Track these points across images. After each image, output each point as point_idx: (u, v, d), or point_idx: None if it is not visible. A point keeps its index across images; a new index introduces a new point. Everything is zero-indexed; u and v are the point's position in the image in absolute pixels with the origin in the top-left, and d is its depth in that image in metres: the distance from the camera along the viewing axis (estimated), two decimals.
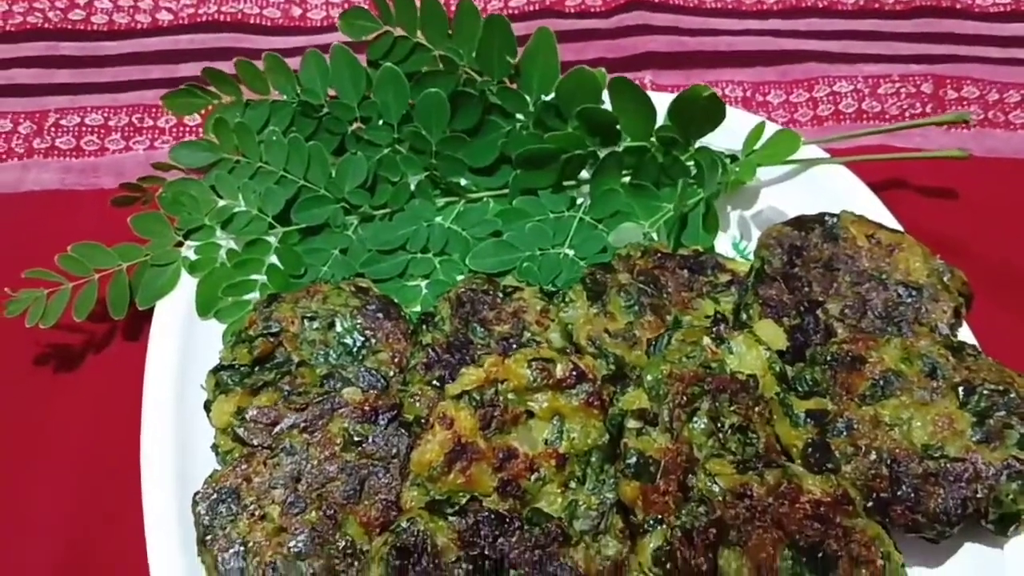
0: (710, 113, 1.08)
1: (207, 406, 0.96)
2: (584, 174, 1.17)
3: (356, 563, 0.88)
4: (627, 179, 1.15)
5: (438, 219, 1.14)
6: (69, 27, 1.38)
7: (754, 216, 1.17)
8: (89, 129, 1.28)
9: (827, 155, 1.16)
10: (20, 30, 1.37)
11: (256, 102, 1.15)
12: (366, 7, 1.15)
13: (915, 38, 1.39)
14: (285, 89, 1.15)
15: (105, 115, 1.29)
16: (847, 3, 1.44)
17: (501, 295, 1.05)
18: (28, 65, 1.33)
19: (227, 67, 1.14)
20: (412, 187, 1.16)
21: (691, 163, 1.14)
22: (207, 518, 0.88)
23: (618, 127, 1.12)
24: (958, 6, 1.42)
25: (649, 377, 0.91)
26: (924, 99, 1.31)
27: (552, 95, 1.12)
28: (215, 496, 0.89)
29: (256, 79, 1.14)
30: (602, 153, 1.13)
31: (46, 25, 1.38)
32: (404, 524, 0.85)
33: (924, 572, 0.91)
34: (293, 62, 1.14)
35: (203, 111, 1.17)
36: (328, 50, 1.14)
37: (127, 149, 1.26)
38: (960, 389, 0.93)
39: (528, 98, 1.14)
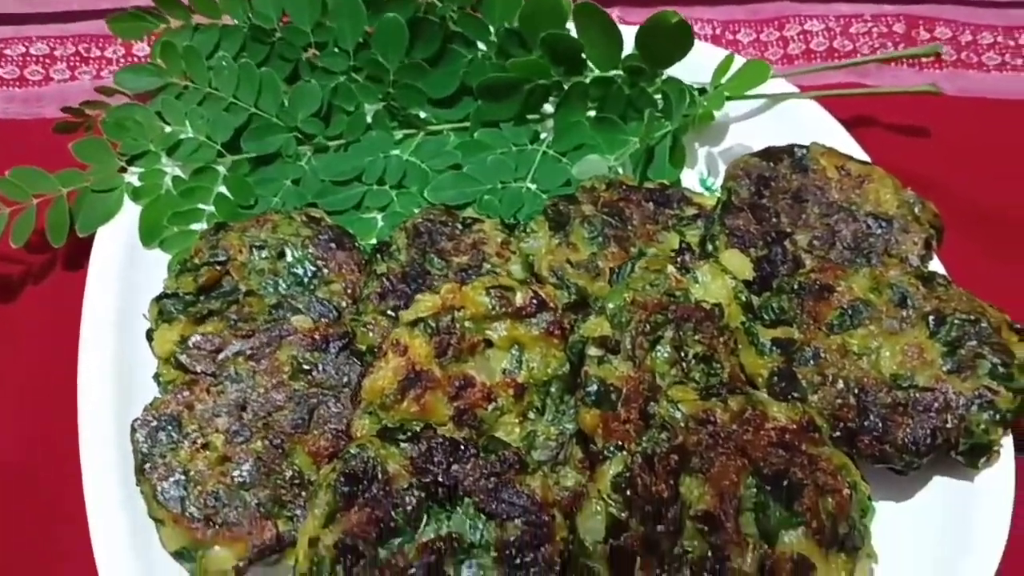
0: (678, 40, 1.05)
1: (149, 335, 0.92)
2: (548, 108, 1.14)
3: (304, 493, 0.84)
4: (592, 112, 1.12)
5: (395, 151, 1.10)
6: None
7: (722, 153, 1.14)
8: (34, 59, 1.22)
9: (796, 90, 1.13)
10: None
11: (206, 26, 1.10)
12: None
13: None
14: (236, 13, 1.10)
15: (51, 45, 1.24)
16: None
17: (460, 226, 1.01)
18: None
19: None
20: (368, 118, 1.12)
21: (659, 96, 1.11)
22: (145, 446, 0.84)
23: (583, 56, 1.08)
24: None
25: (611, 304, 0.88)
26: (896, 39, 1.28)
27: (515, 23, 1.08)
28: (154, 423, 0.84)
29: (206, 2, 1.09)
30: (567, 84, 1.09)
31: None
32: (354, 450, 0.81)
33: (892, 506, 0.89)
34: None
35: (150, 36, 1.11)
36: None
37: (72, 79, 1.21)
38: (930, 319, 0.90)
39: (491, 26, 1.09)
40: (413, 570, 0.78)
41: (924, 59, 1.27)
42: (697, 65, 1.10)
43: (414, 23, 1.09)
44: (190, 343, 0.88)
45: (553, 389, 0.88)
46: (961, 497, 0.87)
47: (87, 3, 1.28)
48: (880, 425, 0.86)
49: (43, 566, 0.88)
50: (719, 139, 1.14)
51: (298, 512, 0.83)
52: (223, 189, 1.04)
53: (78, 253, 1.01)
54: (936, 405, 0.86)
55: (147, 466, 0.83)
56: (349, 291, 0.96)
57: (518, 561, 0.79)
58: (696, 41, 1.08)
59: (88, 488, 0.84)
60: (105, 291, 0.95)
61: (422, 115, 1.13)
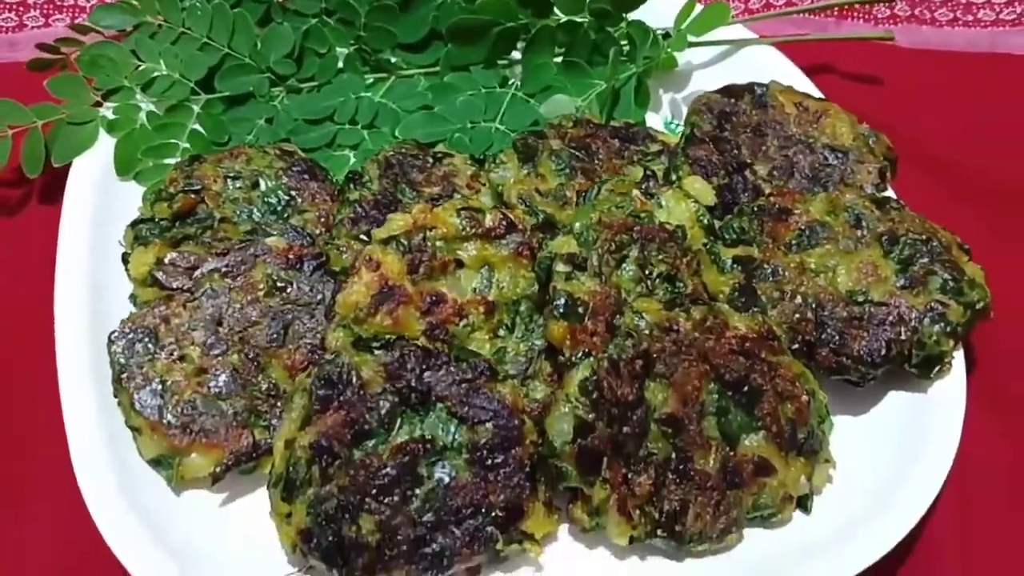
0: None
1: (125, 259, 0.93)
2: (516, 55, 1.16)
3: (279, 404, 0.86)
4: (560, 59, 1.15)
5: (367, 93, 1.12)
6: None
7: (686, 98, 1.17)
8: (7, 6, 1.23)
9: (755, 36, 1.17)
10: None
11: None
12: None
13: None
14: None
15: None
16: None
17: (431, 159, 1.03)
18: None
19: None
20: (341, 62, 1.14)
21: (624, 42, 1.14)
22: (123, 357, 0.85)
23: None
24: None
25: (578, 224, 0.91)
26: None
27: None
28: (132, 335, 0.86)
29: None
30: (534, 28, 1.12)
31: None
32: (329, 356, 0.83)
33: (850, 420, 0.92)
34: None
35: None
36: None
37: (46, 26, 1.22)
38: (884, 238, 0.94)
39: None
40: (387, 470, 0.80)
41: (880, 15, 1.31)
42: (661, 13, 1.13)
43: None
44: (166, 260, 0.90)
45: (522, 308, 0.91)
46: (915, 408, 0.90)
47: None
48: (837, 338, 0.89)
49: (20, 480, 0.88)
50: (683, 86, 1.17)
51: (274, 422, 0.85)
52: (197, 126, 1.06)
53: (54, 185, 1.02)
54: (890, 319, 0.90)
55: (124, 376, 0.85)
56: (322, 220, 0.98)
57: (489, 462, 0.82)
58: None
59: (65, 401, 0.85)
60: (81, 218, 0.96)
61: (393, 60, 1.15)
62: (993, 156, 1.17)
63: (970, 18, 1.33)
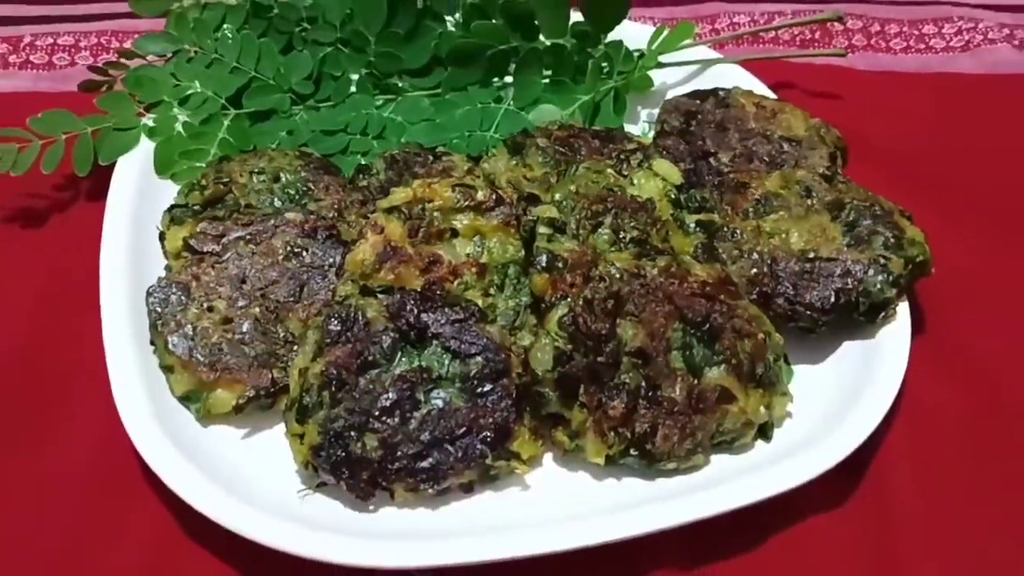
0: (617, 2, 1.23)
1: (161, 237, 1.06)
2: (509, 79, 1.31)
3: (294, 348, 0.97)
4: (547, 80, 1.29)
5: (377, 111, 1.27)
6: None
7: None
8: (61, 48, 1.40)
9: (721, 55, 1.31)
10: None
11: (213, 3, 1.28)
12: None
13: None
14: None
15: (76, 37, 1.42)
16: None
17: (432, 156, 1.17)
18: (4, 1, 1.47)
19: None
20: (353, 85, 1.29)
21: (604, 64, 1.28)
22: (158, 307, 0.97)
23: (536, 23, 1.26)
24: None
25: (558, 195, 1.03)
26: (813, 29, 1.48)
27: None
28: (166, 289, 0.98)
29: None
30: (524, 50, 1.27)
31: None
32: (338, 300, 0.95)
33: (807, 365, 1.02)
34: None
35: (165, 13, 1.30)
36: None
37: (95, 63, 1.38)
38: (832, 205, 1.05)
39: (457, 0, 1.28)
40: (389, 395, 0.91)
41: (839, 44, 1.46)
42: (635, 38, 1.28)
43: (392, 0, 1.27)
44: (198, 229, 1.02)
45: (511, 271, 1.01)
46: (865, 350, 1.00)
47: (107, 8, 1.47)
48: (791, 288, 1.00)
49: (61, 412, 1.00)
50: (658, 101, 1.29)
51: (290, 364, 0.96)
52: (226, 136, 1.20)
53: (100, 185, 1.16)
54: (838, 271, 1.01)
55: (159, 323, 0.97)
56: (335, 206, 1.11)
57: (479, 390, 0.92)
58: (638, 24, 1.27)
59: (108, 346, 0.97)
60: (124, 203, 1.09)
61: (400, 84, 1.30)
62: (942, 161, 1.29)
63: (922, 46, 1.48)
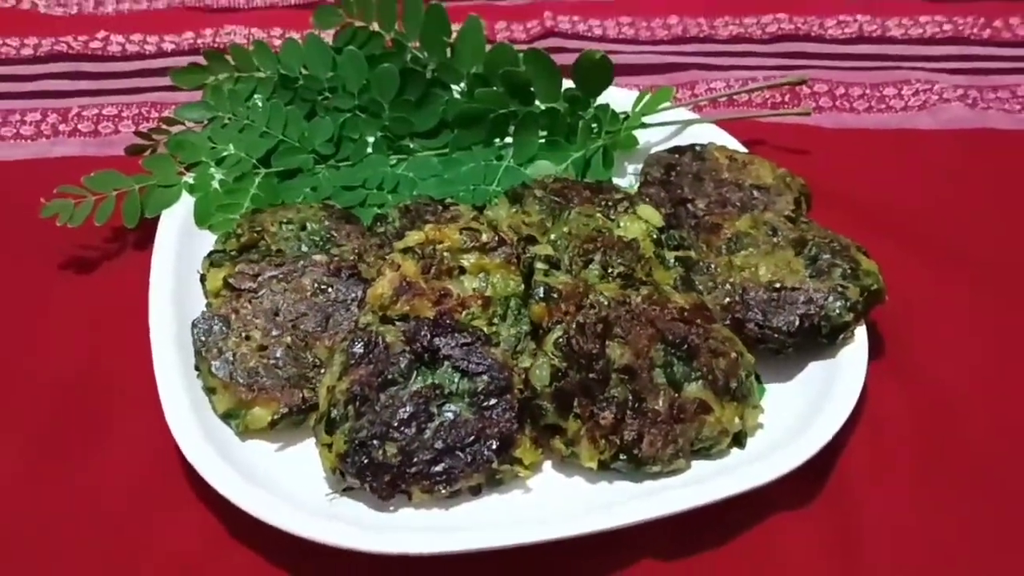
0: (603, 71, 1.38)
1: (202, 279, 1.20)
2: (509, 140, 1.46)
3: (322, 371, 1.10)
4: (543, 140, 1.44)
5: (391, 169, 1.42)
6: (89, 53, 1.69)
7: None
8: (105, 118, 1.56)
9: (698, 116, 1.47)
10: (49, 55, 1.67)
11: (245, 76, 1.44)
12: (332, 3, 1.46)
13: (778, 56, 1.73)
14: (268, 66, 1.44)
15: (119, 108, 1.57)
16: (722, 36, 1.79)
17: (441, 207, 1.31)
18: (56, 78, 1.63)
19: None
20: (370, 147, 1.44)
21: (594, 124, 1.43)
22: (202, 336, 1.10)
23: (533, 90, 1.41)
24: (812, 34, 1.78)
25: (553, 236, 1.17)
26: (784, 92, 1.63)
27: (481, 68, 1.42)
28: (209, 321, 1.11)
29: (245, 59, 1.44)
30: (521, 113, 1.42)
31: (70, 51, 1.69)
32: (361, 326, 1.08)
33: (776, 384, 1.14)
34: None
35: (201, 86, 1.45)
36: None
37: (137, 131, 1.53)
38: (796, 243, 1.19)
39: (462, 71, 1.43)
40: (406, 408, 1.02)
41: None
42: (621, 103, 1.44)
43: (404, 72, 1.43)
44: (236, 270, 1.16)
45: (512, 303, 1.13)
46: (827, 368, 1.11)
47: (146, 84, 1.63)
48: (760, 315, 1.13)
49: (120, 431, 1.12)
50: (643, 158, 1.45)
51: (318, 385, 1.09)
52: (257, 191, 1.35)
53: (146, 238, 1.30)
54: (802, 299, 1.13)
55: (203, 350, 1.10)
56: (356, 250, 1.24)
57: (485, 404, 1.04)
58: (624, 90, 1.44)
59: (158, 372, 1.09)
60: (168, 250, 1.23)
61: (411, 145, 1.45)
62: (897, 204, 1.43)
63: (883, 106, 1.63)
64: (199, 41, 1.73)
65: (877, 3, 1.85)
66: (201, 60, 1.45)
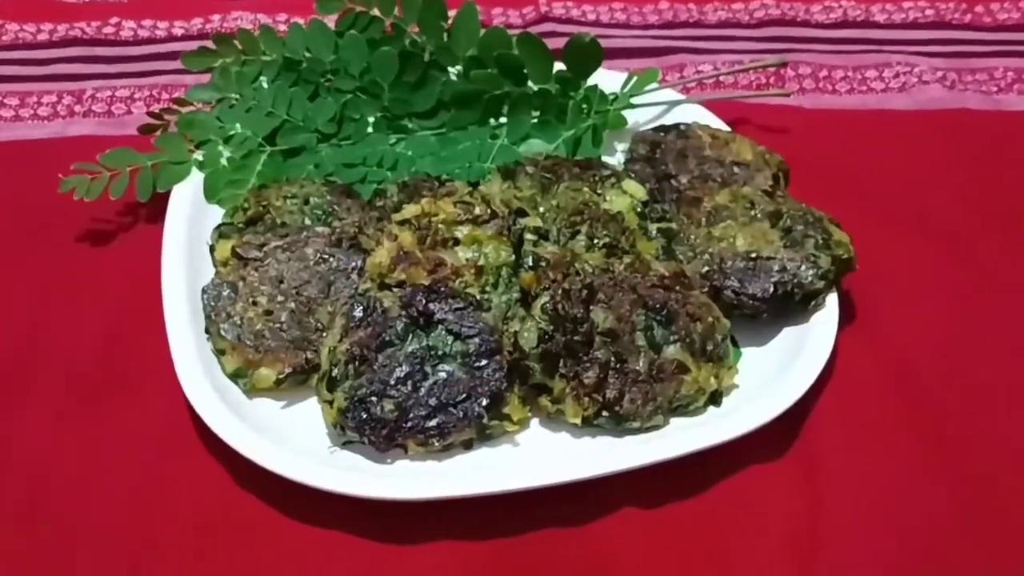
0: (592, 53, 1.45)
1: (211, 249, 1.27)
2: (503, 119, 1.52)
3: (323, 334, 1.17)
4: (535, 120, 1.51)
5: (390, 147, 1.49)
6: (103, 37, 1.76)
7: None
8: (119, 99, 1.63)
9: (684, 96, 1.53)
10: (65, 40, 1.75)
11: (252, 59, 1.51)
12: None
13: (765, 40, 1.79)
14: (273, 50, 1.51)
15: (131, 90, 1.64)
16: (711, 20, 1.85)
17: (437, 183, 1.38)
18: (70, 62, 1.70)
19: None
20: (370, 127, 1.51)
21: (584, 105, 1.50)
22: (212, 302, 1.18)
23: (525, 72, 1.48)
24: (798, 19, 1.84)
25: (543, 208, 1.24)
26: (768, 74, 1.70)
27: (476, 51, 1.49)
28: (218, 288, 1.18)
29: (252, 43, 1.51)
30: (515, 94, 1.49)
31: (85, 36, 1.76)
32: (361, 292, 1.16)
33: (754, 349, 1.21)
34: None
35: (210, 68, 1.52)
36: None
37: (149, 112, 1.60)
38: (772, 215, 1.26)
39: (458, 54, 1.50)
40: (402, 368, 1.10)
41: (791, 89, 1.68)
42: (610, 84, 1.50)
43: (403, 55, 1.48)
44: (243, 240, 1.23)
45: (503, 272, 1.20)
46: (799, 332, 1.18)
47: (157, 66, 1.71)
48: (737, 282, 1.19)
49: (137, 388, 1.19)
50: (629, 139, 1.52)
51: (320, 346, 1.16)
52: (263, 168, 1.42)
53: (158, 212, 1.37)
54: (776, 268, 1.20)
55: (213, 315, 1.17)
56: (356, 223, 1.31)
57: (477, 365, 1.10)
58: (614, 72, 1.50)
59: (171, 336, 1.16)
60: (179, 223, 1.30)
61: (410, 125, 1.52)
62: (870, 179, 1.49)
63: (864, 88, 1.70)
64: (208, 26, 1.80)
65: None
66: (210, 44, 1.52)
